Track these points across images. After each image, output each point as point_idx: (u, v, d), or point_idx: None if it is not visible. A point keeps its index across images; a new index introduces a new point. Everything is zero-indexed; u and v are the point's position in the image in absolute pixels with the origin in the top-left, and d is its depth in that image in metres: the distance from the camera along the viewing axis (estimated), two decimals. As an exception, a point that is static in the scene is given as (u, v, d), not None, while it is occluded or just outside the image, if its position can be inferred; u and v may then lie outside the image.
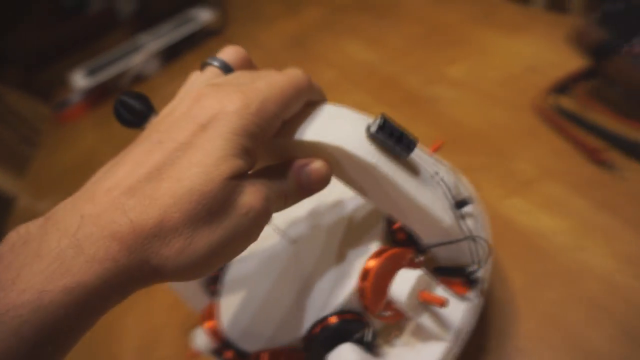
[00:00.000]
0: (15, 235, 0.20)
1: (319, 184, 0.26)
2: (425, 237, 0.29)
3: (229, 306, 0.36)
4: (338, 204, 0.36)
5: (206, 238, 0.21)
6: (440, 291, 0.29)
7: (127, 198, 0.20)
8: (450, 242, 0.29)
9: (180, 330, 0.46)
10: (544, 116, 0.48)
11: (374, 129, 0.25)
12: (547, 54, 0.57)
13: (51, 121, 1.12)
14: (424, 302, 0.28)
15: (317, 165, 0.26)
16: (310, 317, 0.30)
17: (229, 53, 0.28)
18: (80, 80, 0.98)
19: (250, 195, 0.22)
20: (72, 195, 0.22)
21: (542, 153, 0.45)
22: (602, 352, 0.29)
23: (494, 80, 0.58)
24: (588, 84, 0.49)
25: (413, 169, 0.28)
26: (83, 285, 0.19)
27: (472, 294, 0.29)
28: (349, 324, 0.29)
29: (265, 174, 0.25)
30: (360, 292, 0.29)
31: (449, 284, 0.30)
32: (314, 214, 0.37)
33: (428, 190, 0.28)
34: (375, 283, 0.29)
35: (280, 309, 0.32)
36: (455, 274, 0.30)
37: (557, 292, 0.34)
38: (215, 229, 0.21)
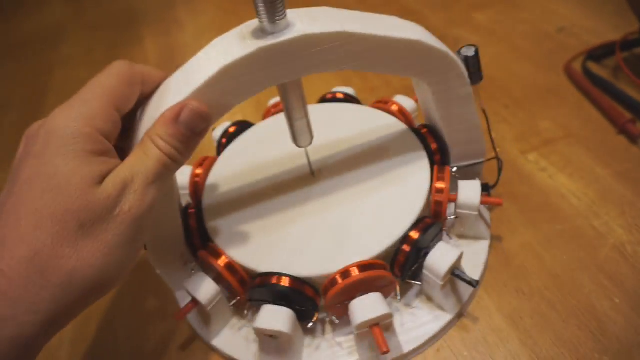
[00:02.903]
0: None
1: (200, 118, 0.24)
2: (461, 153, 0.34)
3: (238, 231, 0.31)
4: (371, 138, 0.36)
5: (93, 246, 0.20)
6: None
7: None
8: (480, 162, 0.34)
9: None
10: (573, 79, 0.46)
11: (470, 53, 0.30)
12: (584, 18, 0.54)
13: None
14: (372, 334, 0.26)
15: (194, 103, 0.24)
16: (336, 259, 0.28)
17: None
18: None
19: (127, 196, 0.22)
20: None
21: (567, 115, 0.42)
22: (605, 320, 0.28)
23: (523, 34, 0.54)
24: (626, 55, 0.46)
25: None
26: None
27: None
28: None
29: (133, 157, 0.23)
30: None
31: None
32: (344, 146, 0.36)
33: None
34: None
35: (307, 240, 0.30)
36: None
37: (567, 254, 0.32)
38: (98, 236, 0.21)
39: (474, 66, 0.30)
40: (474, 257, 0.32)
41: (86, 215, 0.20)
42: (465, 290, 0.30)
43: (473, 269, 0.31)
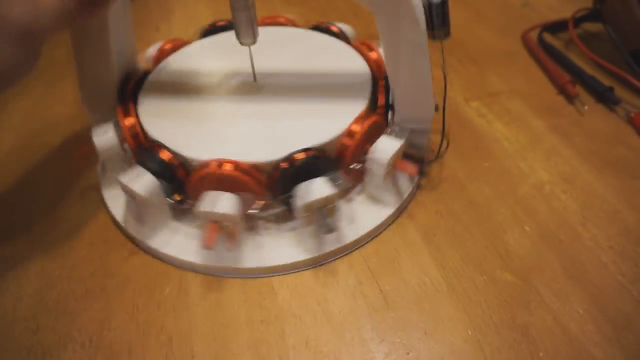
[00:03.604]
0: None
1: None
2: (406, 114, 0.31)
3: (159, 113, 0.32)
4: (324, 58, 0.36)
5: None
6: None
7: None
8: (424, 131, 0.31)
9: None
10: (528, 46, 0.47)
11: (436, 0, 0.27)
12: (547, -3, 0.55)
13: None
14: (398, 169, 0.29)
15: None
16: (280, 148, 0.28)
17: None
18: None
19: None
20: None
21: (515, 74, 0.44)
22: (513, 242, 0.29)
23: (489, 3, 0.55)
24: (579, 31, 0.48)
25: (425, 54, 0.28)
26: None
27: (417, 177, 0.31)
28: (325, 163, 0.28)
29: None
30: (342, 146, 0.29)
31: (404, 166, 0.30)
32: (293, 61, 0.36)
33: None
34: (359, 143, 0.29)
35: (244, 131, 0.30)
36: (412, 159, 0.31)
37: (489, 187, 0.33)
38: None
39: (438, 17, 0.27)
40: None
41: None
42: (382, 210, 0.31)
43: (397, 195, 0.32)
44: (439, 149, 0.34)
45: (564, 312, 0.26)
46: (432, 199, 0.32)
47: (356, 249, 0.29)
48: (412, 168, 0.30)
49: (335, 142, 0.29)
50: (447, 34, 0.28)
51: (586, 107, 0.39)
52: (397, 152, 0.29)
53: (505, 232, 0.30)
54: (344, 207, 0.30)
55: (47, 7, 0.23)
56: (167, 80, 0.35)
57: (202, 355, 0.25)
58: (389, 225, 0.31)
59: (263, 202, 0.28)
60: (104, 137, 0.31)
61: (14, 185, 0.36)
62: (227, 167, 0.27)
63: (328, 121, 0.30)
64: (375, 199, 0.31)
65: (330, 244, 0.29)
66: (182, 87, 0.34)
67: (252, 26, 0.30)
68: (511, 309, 0.26)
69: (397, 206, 0.31)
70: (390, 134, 0.30)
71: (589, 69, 0.42)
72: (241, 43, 0.31)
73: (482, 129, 0.38)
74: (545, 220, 0.31)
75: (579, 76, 0.42)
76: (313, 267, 0.29)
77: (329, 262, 0.29)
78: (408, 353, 0.24)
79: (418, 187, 0.33)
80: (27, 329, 0.26)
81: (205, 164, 0.28)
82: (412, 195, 0.32)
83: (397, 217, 0.31)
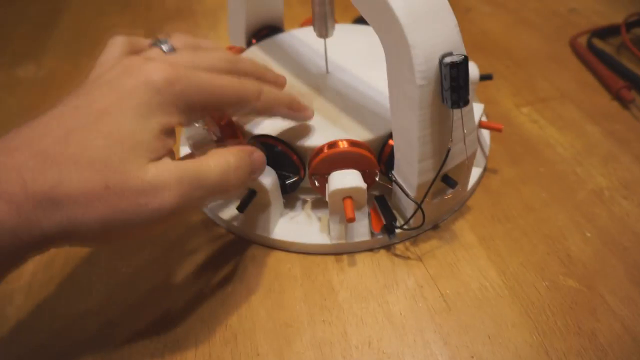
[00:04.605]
0: None
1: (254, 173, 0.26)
2: (397, 167, 0.29)
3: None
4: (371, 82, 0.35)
5: (100, 213, 0.19)
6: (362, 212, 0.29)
7: (28, 159, 0.19)
8: (406, 195, 0.28)
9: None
10: (577, 51, 0.46)
11: (448, 60, 0.23)
12: (596, 3, 0.54)
13: None
14: (343, 205, 0.28)
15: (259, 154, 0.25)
16: (379, 127, 0.30)
17: (179, 40, 0.26)
18: None
19: (161, 190, 0.20)
20: None
21: (565, 79, 0.43)
22: (574, 248, 0.29)
23: (534, 10, 0.55)
24: (630, 36, 0.47)
25: (442, 117, 0.25)
26: None
27: (380, 235, 0.29)
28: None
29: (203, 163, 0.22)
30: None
31: (372, 214, 0.30)
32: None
33: (432, 144, 0.26)
34: (329, 159, 0.28)
35: (335, 116, 0.31)
36: (384, 214, 0.29)
37: (546, 192, 0.33)
38: (111, 207, 0.19)
39: (456, 80, 0.22)
40: None
41: (116, 182, 0.19)
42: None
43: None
44: (409, 218, 0.28)
45: (633, 319, 0.25)
46: (487, 204, 0.32)
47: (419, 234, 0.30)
48: (348, 212, 0.27)
49: (382, 139, 0.30)
50: (466, 102, 0.23)
51: (643, 113, 0.38)
52: (351, 189, 0.28)
53: (566, 238, 0.29)
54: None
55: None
56: None
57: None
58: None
59: (377, 177, 0.29)
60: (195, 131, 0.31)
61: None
62: (344, 145, 0.28)
63: (381, 120, 0.31)
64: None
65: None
66: None
67: (326, 22, 0.31)
68: (576, 315, 0.25)
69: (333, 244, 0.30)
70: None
71: (644, 73, 0.41)
72: (317, 35, 0.32)
73: (535, 135, 0.37)
74: (607, 226, 0.30)
75: (633, 81, 0.41)
76: (381, 248, 0.29)
77: (387, 259, 0.29)
78: (472, 357, 0.24)
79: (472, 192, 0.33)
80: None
81: (319, 148, 0.28)
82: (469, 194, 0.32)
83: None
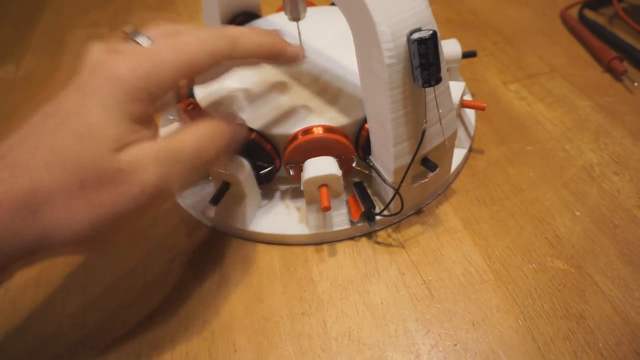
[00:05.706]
0: None
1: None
2: (374, 152, 0.28)
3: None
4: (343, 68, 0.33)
5: (83, 213, 0.19)
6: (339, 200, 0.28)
7: (1, 169, 0.18)
8: (383, 180, 0.27)
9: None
10: (568, 24, 0.45)
11: (416, 36, 0.21)
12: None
13: None
14: (319, 194, 0.27)
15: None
16: (354, 112, 0.29)
17: (158, 29, 0.24)
18: None
19: (139, 172, 0.20)
20: None
21: (555, 53, 0.41)
22: (563, 229, 0.28)
23: (524, -15, 0.53)
24: (624, 5, 0.45)
25: (415, 97, 0.24)
26: None
27: (360, 223, 0.28)
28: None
29: (165, 143, 0.21)
30: (291, 139, 0.28)
31: (352, 202, 0.29)
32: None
33: (407, 126, 0.25)
34: (303, 146, 0.27)
35: (309, 102, 0.30)
36: (363, 200, 0.28)
37: (534, 171, 0.31)
38: (93, 204, 0.19)
39: (425, 57, 0.21)
40: None
41: (91, 177, 0.19)
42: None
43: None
44: (387, 204, 0.27)
45: (624, 300, 0.24)
46: (472, 185, 0.31)
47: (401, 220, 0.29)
48: (324, 202, 0.26)
49: (357, 125, 0.29)
50: (438, 79, 0.22)
51: (636, 84, 0.37)
52: (326, 176, 0.27)
53: (554, 218, 0.28)
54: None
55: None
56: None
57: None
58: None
59: (354, 163, 0.28)
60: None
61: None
62: (319, 131, 0.27)
63: (357, 105, 0.29)
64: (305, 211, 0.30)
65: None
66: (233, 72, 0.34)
67: (296, 4, 0.30)
68: (564, 297, 0.24)
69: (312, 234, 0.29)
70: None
71: (637, 44, 0.39)
72: (288, 18, 0.31)
73: (523, 112, 0.36)
74: (597, 204, 0.29)
75: (626, 52, 0.39)
76: (362, 236, 0.29)
77: (369, 247, 0.28)
78: (455, 345, 0.23)
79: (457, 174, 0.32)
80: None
81: (294, 136, 0.27)
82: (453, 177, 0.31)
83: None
